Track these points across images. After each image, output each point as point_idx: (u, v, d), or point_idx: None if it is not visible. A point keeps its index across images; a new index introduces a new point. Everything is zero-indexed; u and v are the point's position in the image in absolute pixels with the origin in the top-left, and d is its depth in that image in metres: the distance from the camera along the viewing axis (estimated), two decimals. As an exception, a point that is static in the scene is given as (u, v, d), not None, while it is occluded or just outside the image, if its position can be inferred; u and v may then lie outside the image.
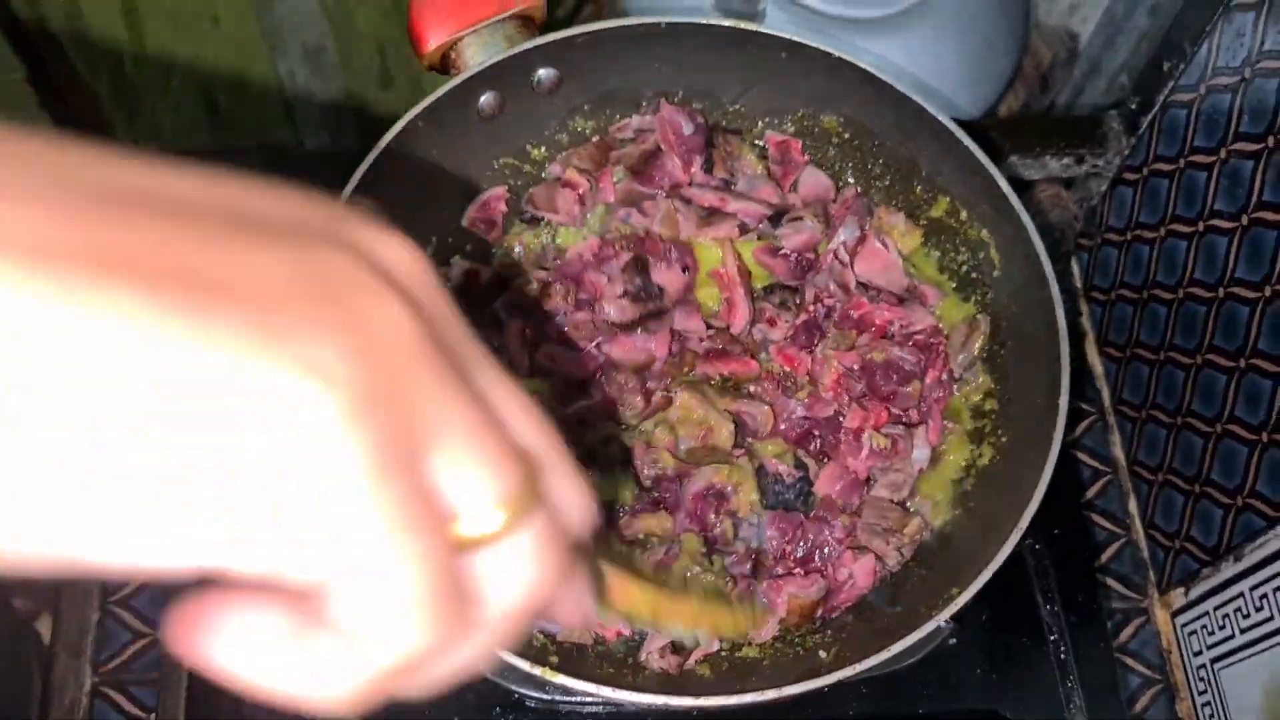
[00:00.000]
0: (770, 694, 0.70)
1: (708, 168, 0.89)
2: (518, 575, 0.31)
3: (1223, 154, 0.96)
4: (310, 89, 1.61)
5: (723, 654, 0.78)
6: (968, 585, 0.70)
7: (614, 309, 0.82)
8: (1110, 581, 1.11)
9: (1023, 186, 1.21)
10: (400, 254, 0.31)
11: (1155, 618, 1.09)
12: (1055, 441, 0.73)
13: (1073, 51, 1.41)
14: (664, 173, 0.87)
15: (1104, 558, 1.11)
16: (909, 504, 0.83)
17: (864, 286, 0.89)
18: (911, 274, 0.90)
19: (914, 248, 0.91)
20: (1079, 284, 1.21)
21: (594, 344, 0.82)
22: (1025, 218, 0.77)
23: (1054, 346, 0.76)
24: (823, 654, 0.76)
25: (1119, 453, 1.14)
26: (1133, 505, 1.12)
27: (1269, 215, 0.91)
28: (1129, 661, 1.08)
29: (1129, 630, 1.09)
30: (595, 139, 0.88)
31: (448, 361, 0.29)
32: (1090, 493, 1.14)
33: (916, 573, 0.80)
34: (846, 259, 0.88)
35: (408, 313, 0.29)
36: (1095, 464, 1.15)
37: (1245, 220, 0.94)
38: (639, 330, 0.81)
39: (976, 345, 0.84)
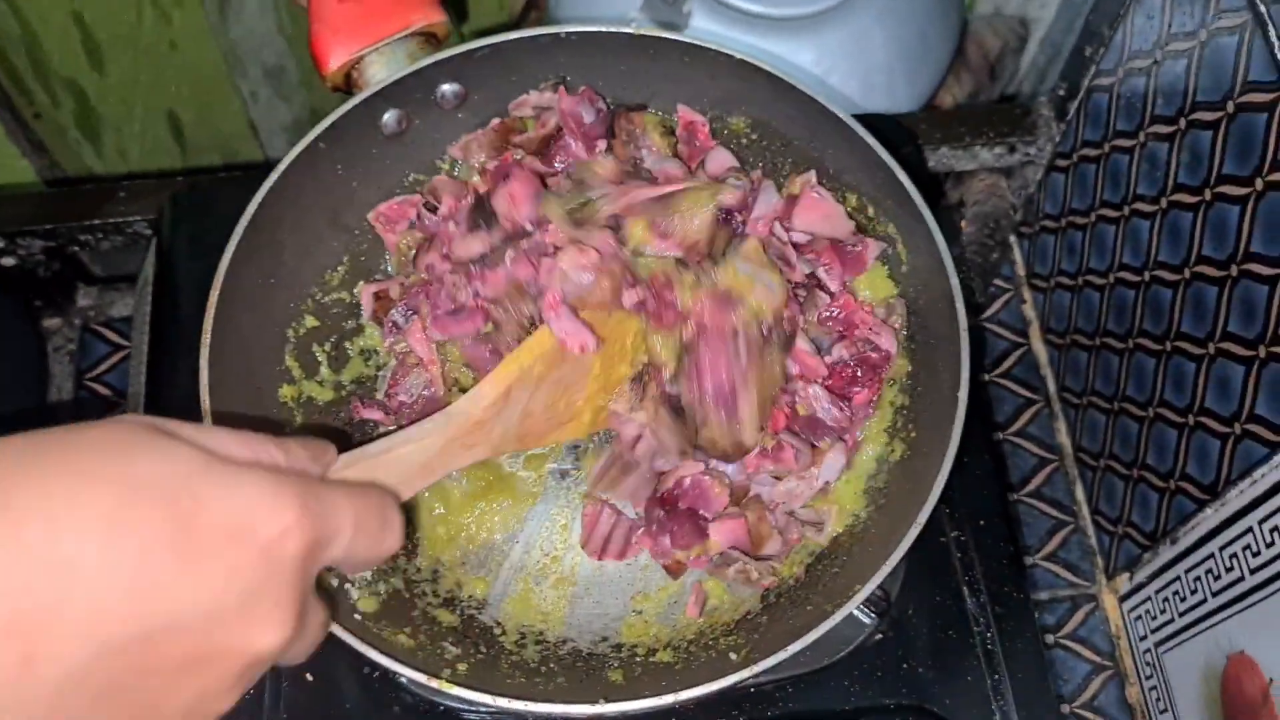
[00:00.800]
0: (681, 695, 0.70)
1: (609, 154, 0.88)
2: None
3: (1141, 137, 0.96)
4: (273, 107, 1.63)
5: (636, 660, 0.79)
6: (868, 581, 0.70)
7: (461, 248, 0.80)
8: (1059, 569, 1.11)
9: (959, 180, 1.21)
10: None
11: (1104, 604, 1.09)
12: (954, 434, 0.73)
13: (1023, 39, 1.40)
14: (567, 153, 0.87)
15: (1051, 545, 1.11)
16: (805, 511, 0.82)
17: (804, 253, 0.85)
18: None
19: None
20: (1021, 272, 1.21)
21: (472, 297, 0.80)
22: (926, 212, 0.77)
23: (956, 340, 0.76)
24: (733, 655, 0.76)
25: (1065, 440, 1.14)
26: (1079, 492, 1.12)
27: (1185, 198, 0.91)
28: (1078, 649, 1.08)
29: (1078, 617, 1.09)
30: (495, 122, 0.88)
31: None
32: (1037, 481, 1.14)
33: (829, 570, 0.80)
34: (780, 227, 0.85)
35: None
36: (1041, 452, 1.15)
37: (1164, 203, 0.93)
38: (501, 264, 0.79)
39: (895, 326, 0.84)
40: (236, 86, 1.60)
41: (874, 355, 0.83)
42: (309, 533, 0.45)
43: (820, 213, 0.83)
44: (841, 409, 0.81)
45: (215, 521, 0.43)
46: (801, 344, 0.81)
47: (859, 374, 0.82)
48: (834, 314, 0.84)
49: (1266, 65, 0.79)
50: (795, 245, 0.83)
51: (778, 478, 0.81)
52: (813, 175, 0.84)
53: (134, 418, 0.45)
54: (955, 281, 0.77)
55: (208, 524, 0.42)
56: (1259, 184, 0.81)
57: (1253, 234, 0.82)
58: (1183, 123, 0.90)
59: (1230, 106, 0.84)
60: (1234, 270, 0.85)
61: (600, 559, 0.83)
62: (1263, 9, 0.79)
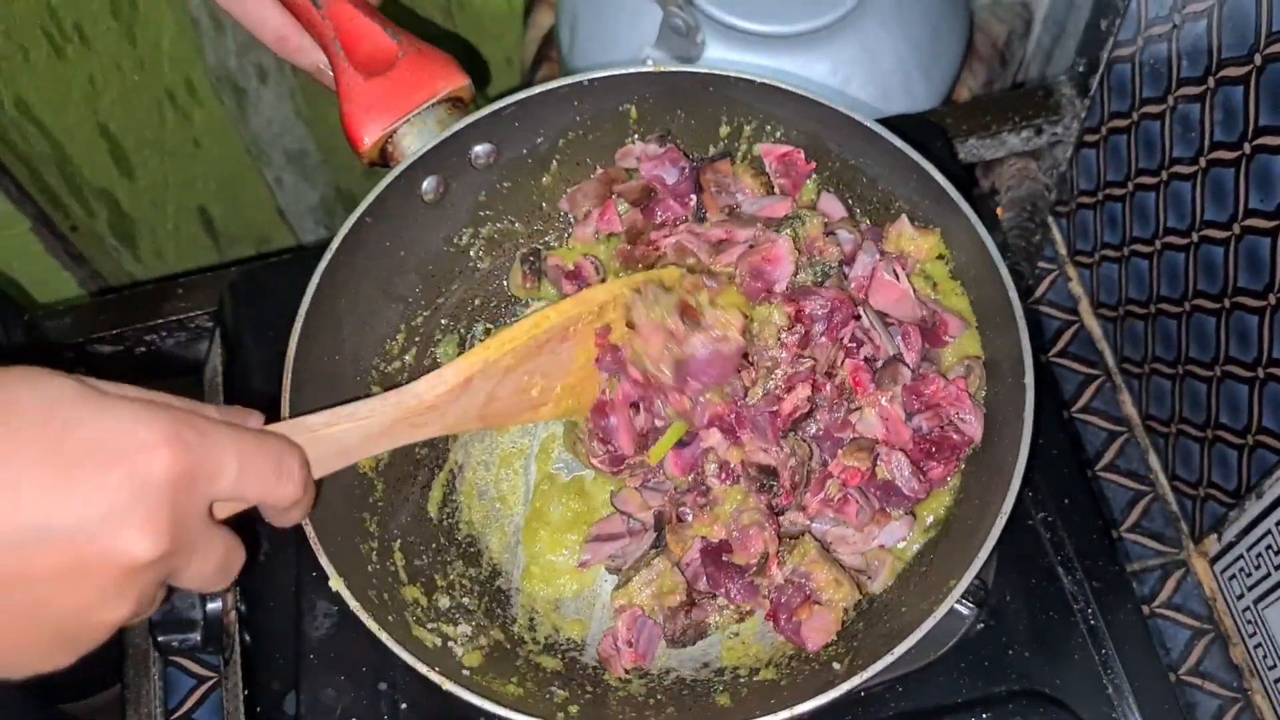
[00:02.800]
0: (795, 710, 0.70)
1: (700, 214, 0.89)
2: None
3: (1170, 101, 0.97)
4: (299, 191, 1.66)
5: (740, 681, 0.79)
6: (963, 575, 0.71)
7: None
8: (1144, 540, 1.10)
9: (989, 167, 1.22)
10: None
11: (1194, 568, 1.08)
12: (1028, 416, 0.74)
13: (1028, 23, 1.41)
14: (666, 208, 0.88)
15: (1133, 517, 1.11)
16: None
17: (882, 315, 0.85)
18: (934, 299, 0.85)
19: (934, 247, 0.85)
20: (1064, 251, 1.21)
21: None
22: (964, 204, 0.78)
23: (1014, 327, 0.76)
24: (837, 665, 0.76)
25: (1131, 411, 1.14)
26: (1153, 460, 1.12)
27: (1224, 154, 0.91)
28: (1176, 616, 1.08)
29: (1170, 585, 1.08)
30: (600, 172, 0.90)
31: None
32: (1110, 454, 1.14)
33: (918, 569, 0.80)
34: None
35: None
36: (1110, 426, 1.15)
37: (1203, 163, 0.94)
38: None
39: (973, 388, 0.83)
40: (262, 175, 1.64)
41: (955, 437, 0.81)
42: (181, 457, 0.49)
43: (892, 296, 0.82)
44: (920, 480, 0.80)
45: (85, 442, 0.47)
46: (895, 409, 0.80)
47: (935, 451, 0.81)
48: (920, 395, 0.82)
49: (1290, 13, 0.80)
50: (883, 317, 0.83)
51: None
52: (904, 223, 0.84)
53: (33, 366, 0.50)
54: (1004, 270, 0.78)
55: (78, 444, 0.47)
56: (1299, 130, 0.81)
57: (1299, 181, 0.83)
58: (1211, 81, 0.91)
59: (1258, 59, 0.85)
60: (1285, 219, 0.85)
61: (628, 663, 0.81)
62: (1278, -41, 0.80)
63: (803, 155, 0.87)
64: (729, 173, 0.88)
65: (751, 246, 0.82)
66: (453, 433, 0.75)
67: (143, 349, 1.12)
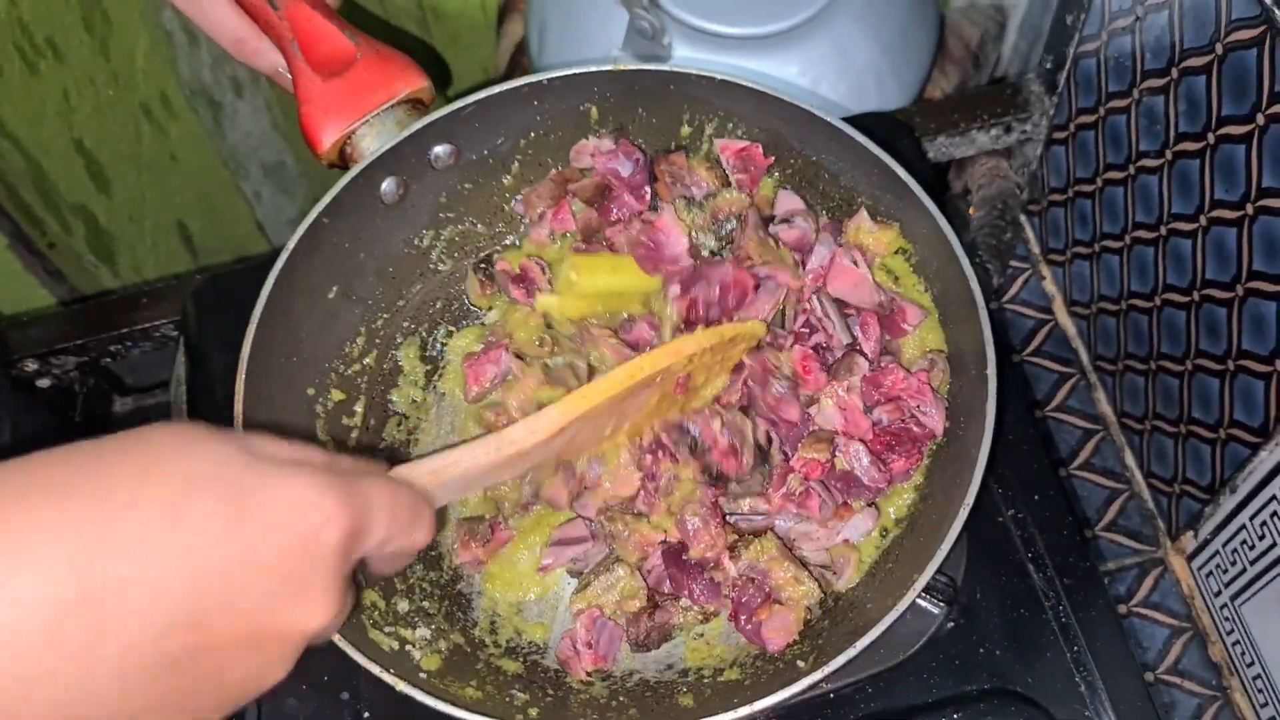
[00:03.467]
0: (755, 706, 0.69)
1: (654, 204, 0.88)
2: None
3: (1136, 95, 0.97)
4: (277, 203, 1.66)
5: (704, 682, 0.78)
6: (924, 569, 0.70)
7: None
8: (1121, 538, 1.10)
9: (961, 167, 1.21)
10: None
11: (1172, 566, 1.07)
12: (990, 409, 0.73)
13: (1001, 26, 1.41)
14: (621, 203, 0.88)
15: (1110, 515, 1.10)
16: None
17: (840, 303, 0.85)
18: (893, 289, 0.85)
19: (893, 241, 0.85)
20: (1037, 250, 1.20)
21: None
22: (925, 197, 0.78)
23: (976, 320, 0.75)
24: (800, 663, 0.75)
25: (1106, 409, 1.13)
26: (1129, 458, 1.11)
27: (1189, 145, 0.91)
28: (1154, 615, 1.07)
29: (1148, 584, 1.07)
30: (553, 172, 0.89)
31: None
32: (1085, 453, 1.13)
33: (883, 566, 0.79)
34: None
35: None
36: (1085, 424, 1.14)
37: (1169, 155, 0.94)
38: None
39: (936, 382, 0.82)
40: (239, 188, 1.63)
41: (916, 430, 0.80)
42: (348, 522, 0.49)
43: (849, 281, 0.82)
44: (880, 470, 0.79)
45: (264, 511, 0.46)
46: (853, 399, 0.79)
47: (895, 444, 0.80)
48: (880, 387, 0.81)
49: (1246, 1, 0.79)
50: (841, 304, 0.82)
51: None
52: (863, 216, 0.84)
53: (183, 422, 0.49)
54: (965, 262, 0.77)
55: (257, 513, 0.46)
56: (1260, 119, 0.81)
57: (1262, 170, 0.82)
58: (1174, 73, 0.90)
59: (1219, 49, 0.84)
60: (1249, 209, 0.84)
61: (589, 665, 0.80)
62: (1235, -53, 0.80)
63: (760, 150, 0.86)
64: (684, 165, 0.87)
65: (645, 222, 0.82)
66: (528, 471, 0.75)
67: (108, 360, 1.11)
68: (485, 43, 1.54)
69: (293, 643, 0.49)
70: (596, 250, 0.86)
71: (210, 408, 0.96)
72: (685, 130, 0.90)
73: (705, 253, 0.84)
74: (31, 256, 1.48)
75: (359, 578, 0.73)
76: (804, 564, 0.78)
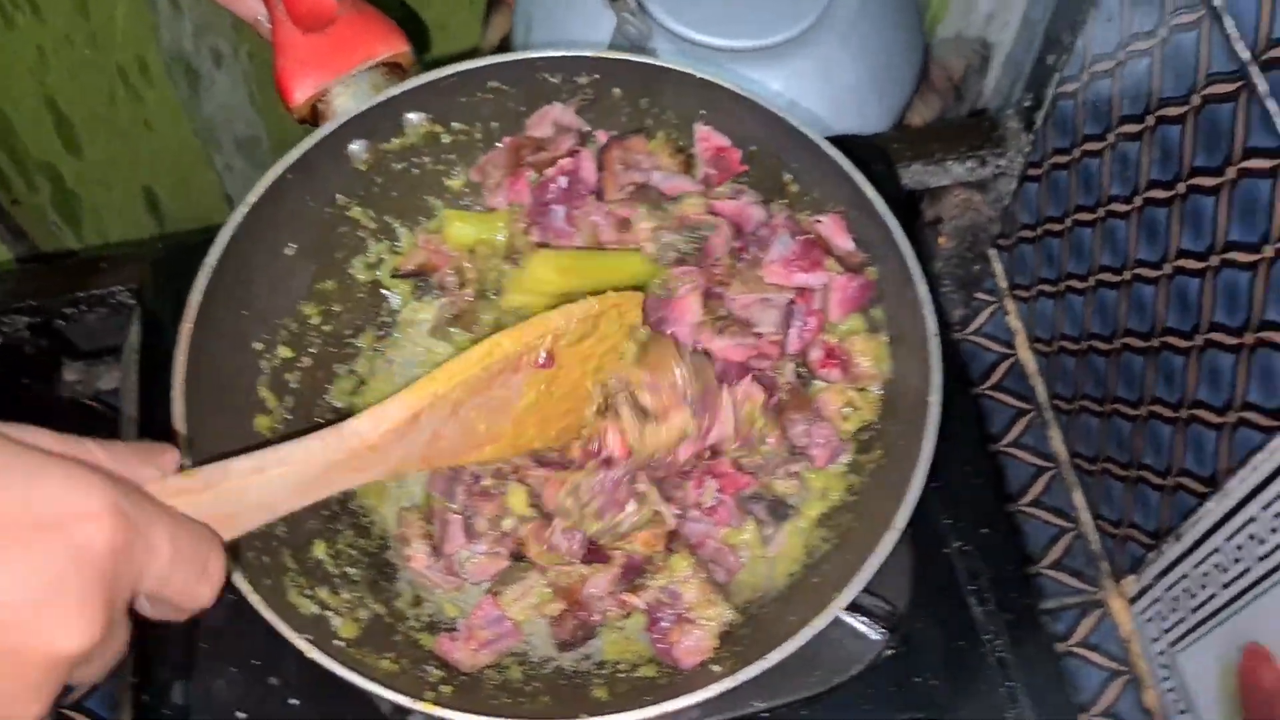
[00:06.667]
0: (664, 706, 0.69)
1: (599, 192, 0.87)
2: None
3: (1110, 139, 0.97)
4: (248, 178, 1.64)
5: (620, 676, 0.78)
6: (845, 588, 0.70)
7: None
8: (1064, 577, 1.10)
9: (935, 197, 1.22)
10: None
11: (1113, 609, 1.08)
12: (928, 437, 0.73)
13: (985, 59, 1.42)
14: (578, 178, 0.87)
15: (1055, 553, 1.11)
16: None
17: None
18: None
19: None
20: (1004, 284, 1.21)
21: None
22: (890, 219, 0.78)
23: (925, 347, 0.76)
24: (716, 667, 0.75)
25: (1060, 447, 1.14)
26: (1078, 498, 1.12)
27: (1159, 194, 0.91)
28: (1091, 656, 1.07)
29: (1088, 624, 1.08)
30: (507, 140, 0.88)
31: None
32: (1036, 490, 1.14)
33: (809, 580, 0.79)
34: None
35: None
36: (1038, 461, 1.14)
37: (1139, 201, 0.94)
38: None
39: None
40: (211, 160, 1.61)
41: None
42: (119, 533, 0.43)
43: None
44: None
45: (17, 509, 0.41)
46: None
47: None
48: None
49: (1226, 56, 0.80)
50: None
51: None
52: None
53: None
54: (923, 289, 0.77)
55: (9, 511, 0.41)
56: (1231, 172, 0.82)
57: (1230, 223, 0.83)
58: (1150, 120, 0.91)
59: (1195, 100, 0.85)
60: (1214, 260, 0.85)
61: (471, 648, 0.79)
62: (1217, 2, 0.80)
63: (739, 155, 0.86)
64: (643, 150, 0.86)
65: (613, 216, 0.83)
66: (395, 477, 0.71)
67: (62, 322, 1.09)
68: (471, 35, 1.53)
69: (41, 667, 0.42)
70: (562, 247, 0.85)
71: (164, 378, 0.94)
72: (650, 125, 0.89)
73: (672, 254, 0.84)
74: (-7, 216, 1.46)
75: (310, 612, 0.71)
76: (715, 584, 0.78)
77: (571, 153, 0.86)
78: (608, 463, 0.75)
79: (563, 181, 0.85)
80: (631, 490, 0.75)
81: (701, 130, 0.87)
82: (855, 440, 0.84)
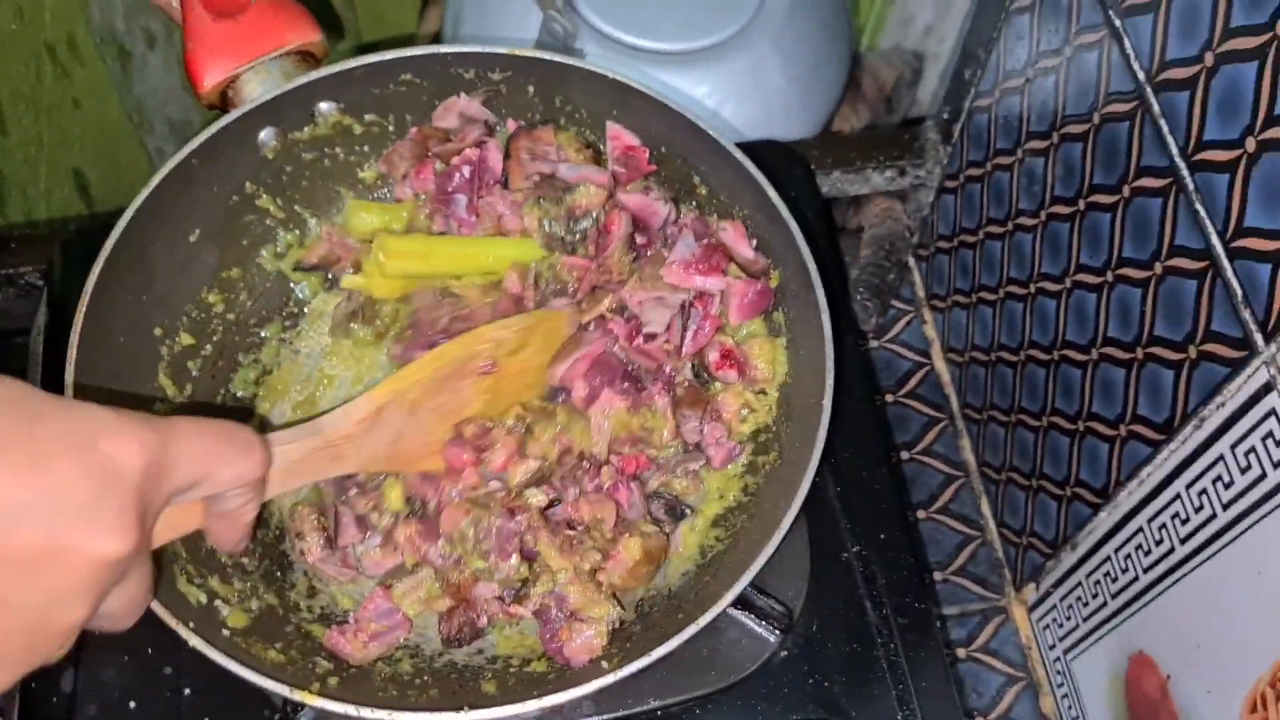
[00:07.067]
0: (545, 700, 0.69)
1: (504, 182, 0.88)
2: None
3: (1019, 154, 0.99)
4: (181, 163, 1.62)
5: (510, 671, 0.78)
6: (732, 586, 0.71)
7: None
8: (969, 584, 1.12)
9: (859, 205, 1.23)
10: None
11: (1014, 616, 1.10)
12: (819, 438, 0.74)
13: (917, 72, 1.44)
14: (484, 168, 0.87)
15: (960, 560, 1.12)
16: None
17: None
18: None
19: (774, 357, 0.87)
20: (921, 293, 1.23)
21: None
22: (792, 224, 0.79)
23: (821, 350, 0.77)
24: (605, 664, 0.76)
25: (969, 456, 1.16)
26: (985, 506, 1.13)
27: (1061, 209, 0.93)
28: (991, 662, 1.09)
29: (989, 630, 1.10)
30: (414, 130, 0.88)
31: None
32: (945, 497, 1.15)
33: (701, 579, 0.80)
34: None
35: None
36: (948, 469, 1.16)
37: (1043, 216, 0.96)
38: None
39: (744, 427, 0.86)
40: (142, 143, 1.60)
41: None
42: (150, 450, 0.48)
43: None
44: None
45: (54, 432, 0.46)
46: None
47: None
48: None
49: (1124, 75, 0.82)
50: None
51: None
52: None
53: None
54: (820, 292, 0.78)
55: (53, 433, 0.46)
56: (1126, 190, 0.83)
57: (1124, 240, 0.85)
58: (1055, 137, 0.93)
59: (1096, 118, 0.87)
60: (1109, 275, 0.87)
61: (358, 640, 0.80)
62: (1117, 23, 0.82)
63: (647, 155, 0.87)
64: (550, 141, 0.87)
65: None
66: (366, 471, 0.76)
67: (-33, 302, 1.08)
68: (408, 26, 1.53)
69: (88, 569, 0.47)
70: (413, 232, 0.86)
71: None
72: (563, 121, 0.90)
73: (556, 243, 0.84)
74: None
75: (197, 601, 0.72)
76: (599, 585, 0.79)
77: (479, 143, 0.86)
78: (510, 512, 0.78)
79: (466, 171, 0.86)
80: (520, 546, 0.79)
81: (612, 129, 0.87)
82: (753, 442, 0.85)
